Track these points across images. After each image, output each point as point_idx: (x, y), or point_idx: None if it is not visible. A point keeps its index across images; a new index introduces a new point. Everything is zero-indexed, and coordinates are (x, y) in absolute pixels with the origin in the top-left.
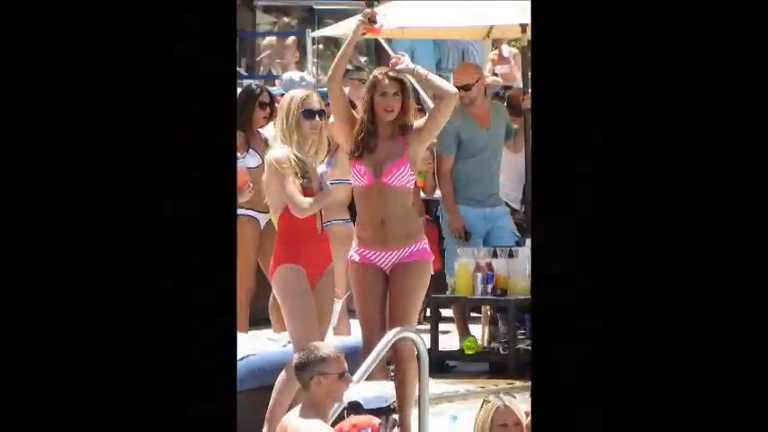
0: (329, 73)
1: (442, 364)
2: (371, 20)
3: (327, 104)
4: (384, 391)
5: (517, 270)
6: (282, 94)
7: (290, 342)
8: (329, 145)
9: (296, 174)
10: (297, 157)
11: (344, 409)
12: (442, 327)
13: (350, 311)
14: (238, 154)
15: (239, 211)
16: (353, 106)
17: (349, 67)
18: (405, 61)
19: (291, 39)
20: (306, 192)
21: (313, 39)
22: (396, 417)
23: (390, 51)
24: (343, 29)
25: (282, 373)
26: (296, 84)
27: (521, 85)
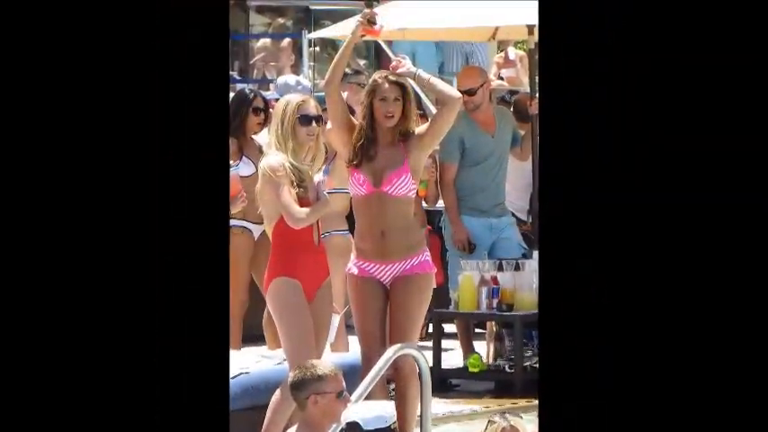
0: (326, 77)
1: (444, 383)
2: (371, 21)
3: (324, 110)
4: (384, 410)
5: (524, 284)
6: (277, 99)
7: (285, 359)
8: (326, 152)
9: (291, 182)
10: (292, 164)
11: (342, 429)
12: (444, 343)
13: (348, 327)
14: (231, 162)
15: (231, 222)
16: (352, 112)
17: (347, 70)
18: (406, 64)
19: (287, 41)
20: (302, 201)
21: (309, 41)
22: None
23: (391, 54)
24: (341, 30)
25: (277, 392)
26: (291, 88)
27: (528, 90)
